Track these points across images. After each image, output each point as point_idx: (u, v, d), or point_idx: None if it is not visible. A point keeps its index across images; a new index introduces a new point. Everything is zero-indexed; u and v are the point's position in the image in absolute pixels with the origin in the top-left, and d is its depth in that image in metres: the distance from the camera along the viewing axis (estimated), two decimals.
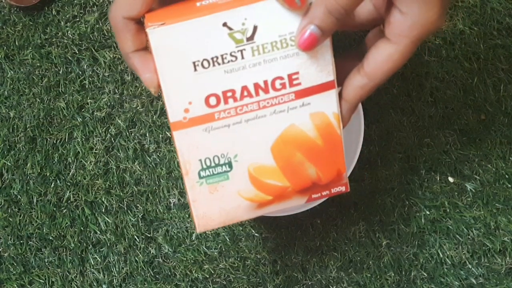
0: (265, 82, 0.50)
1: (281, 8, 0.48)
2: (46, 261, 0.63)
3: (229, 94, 0.55)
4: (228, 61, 0.55)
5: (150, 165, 0.63)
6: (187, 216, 0.62)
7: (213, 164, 0.53)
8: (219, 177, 0.53)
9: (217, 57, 0.54)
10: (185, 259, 0.62)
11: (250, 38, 0.58)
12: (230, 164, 0.55)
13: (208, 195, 0.53)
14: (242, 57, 0.55)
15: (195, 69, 0.54)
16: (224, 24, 0.53)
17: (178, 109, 0.52)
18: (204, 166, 0.52)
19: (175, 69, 0.51)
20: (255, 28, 0.54)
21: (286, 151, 0.57)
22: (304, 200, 0.53)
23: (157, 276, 0.62)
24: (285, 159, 0.57)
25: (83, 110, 0.65)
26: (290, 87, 0.49)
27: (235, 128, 0.56)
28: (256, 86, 0.55)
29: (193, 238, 0.62)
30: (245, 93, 0.55)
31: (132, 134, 0.64)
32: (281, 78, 0.50)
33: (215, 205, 0.54)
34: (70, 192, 0.64)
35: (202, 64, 0.52)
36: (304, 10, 0.45)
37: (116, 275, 0.62)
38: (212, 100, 0.54)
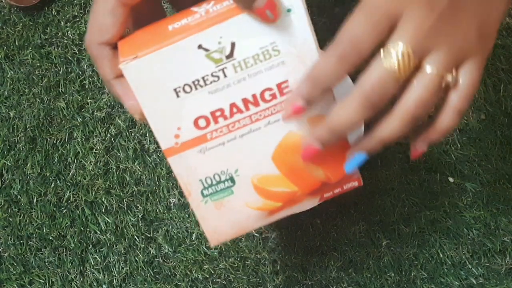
0: (254, 96, 0.50)
1: (256, 21, 0.47)
2: (46, 261, 0.63)
3: (218, 113, 0.54)
4: (211, 82, 0.54)
5: (150, 165, 0.63)
6: (187, 216, 0.62)
7: (214, 182, 0.53)
8: (223, 193, 0.53)
9: (198, 80, 0.53)
10: (185, 259, 0.62)
11: (230, 56, 0.56)
12: (232, 179, 0.55)
13: (215, 211, 0.53)
14: (225, 76, 0.54)
15: (178, 96, 0.53)
16: (200, 47, 0.52)
17: (168, 136, 0.52)
18: (206, 185, 0.52)
19: (157, 98, 0.50)
20: (232, 44, 0.53)
21: (288, 158, 0.57)
22: (316, 200, 0.53)
23: (157, 276, 0.62)
24: (288, 166, 0.56)
25: (83, 110, 0.65)
26: (281, 96, 0.48)
27: (230, 144, 0.56)
28: (245, 101, 0.54)
29: (193, 238, 0.62)
30: (235, 110, 0.54)
31: (132, 134, 0.64)
32: (270, 89, 0.49)
33: (224, 219, 0.54)
34: (70, 192, 0.64)
35: (183, 89, 0.52)
36: (277, 21, 0.44)
37: (116, 275, 0.62)
38: (201, 122, 0.54)
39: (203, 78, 0.53)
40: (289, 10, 0.48)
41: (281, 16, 0.44)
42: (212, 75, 0.52)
